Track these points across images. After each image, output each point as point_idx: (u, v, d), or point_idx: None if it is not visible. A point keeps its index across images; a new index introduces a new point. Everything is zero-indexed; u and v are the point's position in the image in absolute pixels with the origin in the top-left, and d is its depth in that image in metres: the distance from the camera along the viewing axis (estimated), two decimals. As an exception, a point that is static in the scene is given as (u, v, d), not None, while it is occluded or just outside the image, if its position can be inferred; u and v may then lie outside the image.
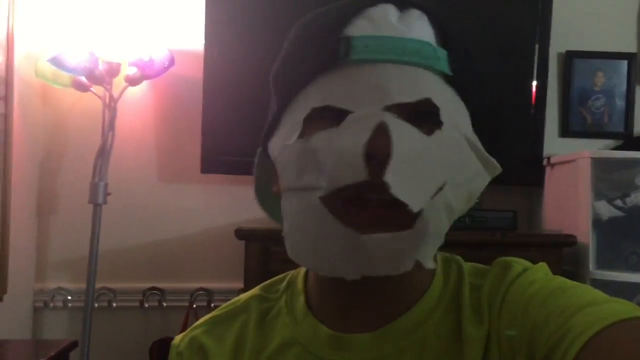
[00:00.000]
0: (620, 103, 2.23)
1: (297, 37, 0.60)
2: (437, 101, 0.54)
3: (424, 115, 0.54)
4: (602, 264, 1.85)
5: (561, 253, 1.84)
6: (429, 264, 0.54)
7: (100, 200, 1.84)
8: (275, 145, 0.59)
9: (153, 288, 2.02)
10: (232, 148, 1.94)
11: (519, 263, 0.59)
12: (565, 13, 2.16)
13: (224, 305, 0.68)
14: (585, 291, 0.52)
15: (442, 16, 0.59)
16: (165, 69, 1.88)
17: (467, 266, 0.63)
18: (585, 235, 1.85)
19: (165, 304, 2.02)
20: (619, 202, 1.88)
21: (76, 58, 1.77)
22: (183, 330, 1.93)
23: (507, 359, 0.53)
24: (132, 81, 1.87)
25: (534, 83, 2.11)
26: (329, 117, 0.54)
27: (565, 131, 2.23)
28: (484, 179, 0.59)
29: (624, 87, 2.23)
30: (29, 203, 1.97)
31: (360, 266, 0.53)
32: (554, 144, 2.17)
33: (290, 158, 0.56)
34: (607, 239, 1.86)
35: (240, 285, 1.75)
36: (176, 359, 0.66)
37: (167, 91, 2.06)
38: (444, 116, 0.54)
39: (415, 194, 0.51)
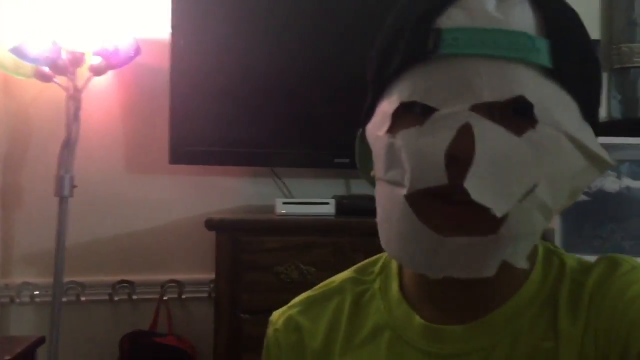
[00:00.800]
0: (584, 89, 2.28)
1: (393, 22, 0.57)
2: (531, 98, 0.51)
3: (517, 113, 0.51)
4: (567, 248, 1.88)
5: (528, 238, 1.87)
6: (521, 264, 0.53)
7: (66, 193, 1.81)
8: (370, 133, 0.59)
9: (122, 281, 2.00)
10: (200, 138, 1.92)
11: (627, 261, 0.57)
12: (531, 0, 2.18)
13: (319, 285, 0.69)
14: None
15: (548, 0, 0.55)
16: (131, 58, 1.85)
17: (571, 261, 0.61)
18: (552, 220, 1.89)
19: (135, 297, 2.00)
20: (583, 187, 1.92)
21: (38, 48, 1.73)
22: (154, 322, 1.93)
23: (602, 355, 0.52)
24: (97, 71, 1.83)
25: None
26: (417, 111, 0.53)
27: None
28: (591, 175, 0.57)
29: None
30: (-8, 197, 1.92)
31: (441, 267, 0.52)
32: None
33: (380, 150, 0.56)
34: (572, 223, 1.90)
35: (212, 276, 1.74)
36: (273, 335, 0.67)
37: (133, 81, 2.02)
38: (539, 114, 0.51)
39: (499, 198, 0.49)
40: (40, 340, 1.58)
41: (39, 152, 1.96)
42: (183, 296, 2.02)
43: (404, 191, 0.52)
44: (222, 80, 1.92)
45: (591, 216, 1.90)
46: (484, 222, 0.50)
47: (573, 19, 0.56)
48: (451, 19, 0.52)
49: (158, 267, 2.03)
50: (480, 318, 0.57)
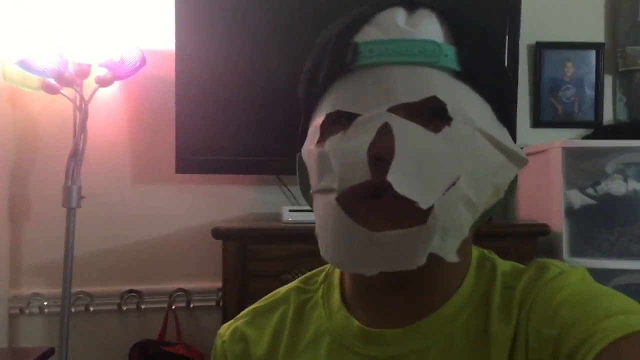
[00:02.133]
0: (589, 92, 2.27)
1: (315, 48, 0.62)
2: (443, 98, 0.55)
3: (432, 114, 0.55)
4: (575, 252, 1.88)
5: (535, 242, 1.86)
6: (451, 258, 0.55)
7: (73, 204, 1.82)
8: (304, 152, 0.63)
9: (131, 291, 2.01)
10: (206, 147, 1.93)
11: (556, 265, 0.60)
12: (534, 4, 2.19)
13: (265, 297, 0.72)
14: (619, 299, 0.53)
15: (452, 12, 0.59)
16: (137, 69, 1.86)
17: (504, 265, 0.63)
18: (558, 224, 1.88)
19: (143, 307, 2.00)
20: (590, 191, 1.91)
21: (45, 60, 1.74)
22: (162, 331, 1.94)
23: (534, 358, 0.54)
24: (103, 82, 1.85)
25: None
26: (342, 121, 0.57)
27: (537, 122, 2.26)
28: (510, 172, 0.59)
29: (593, 76, 2.27)
30: (1, 208, 1.94)
31: (376, 262, 0.54)
32: (526, 135, 2.20)
33: (312, 163, 0.60)
34: (579, 227, 1.90)
35: (219, 284, 1.74)
36: (220, 347, 0.70)
37: (139, 92, 2.04)
38: (452, 112, 0.55)
39: (423, 190, 0.52)
40: (50, 352, 1.58)
41: (46, 163, 1.97)
42: (191, 305, 2.02)
43: (334, 195, 0.56)
44: (227, 89, 1.93)
45: (598, 220, 1.89)
46: (411, 214, 0.53)
47: (478, 29, 0.60)
48: (366, 34, 0.57)
49: (166, 277, 2.04)
50: (416, 322, 0.60)
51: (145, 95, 2.04)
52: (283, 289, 0.71)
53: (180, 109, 1.91)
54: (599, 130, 2.22)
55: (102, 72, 1.84)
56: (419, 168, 0.53)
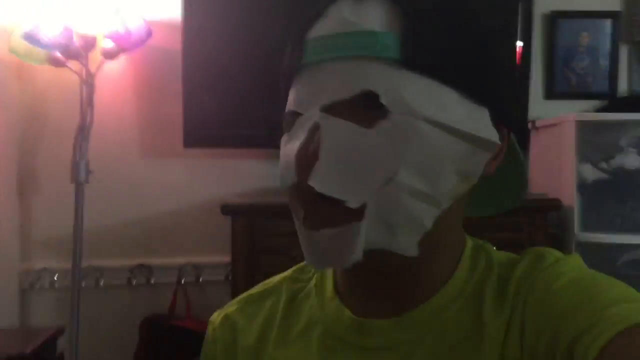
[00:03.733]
0: (604, 63, 2.22)
1: (280, 44, 0.63)
2: (379, 90, 0.53)
3: (368, 107, 0.53)
4: (587, 227, 1.86)
5: (547, 216, 1.84)
6: (411, 252, 0.54)
7: (82, 178, 1.81)
8: None
9: (140, 265, 2.01)
10: (214, 120, 1.91)
11: (551, 254, 0.59)
12: (549, -27, 2.13)
13: (258, 285, 0.72)
14: (620, 287, 0.52)
15: None
16: (143, 41, 1.83)
17: (499, 256, 0.62)
18: (570, 198, 1.86)
19: (153, 281, 2.01)
20: (603, 165, 1.88)
21: (50, 33, 1.72)
22: (172, 306, 1.94)
23: (529, 346, 0.53)
24: (109, 55, 1.82)
25: (518, 44, 2.09)
26: (293, 118, 0.57)
27: (550, 93, 2.22)
28: (477, 157, 0.57)
29: (608, 46, 2.22)
30: (9, 183, 1.93)
31: (317, 259, 0.56)
32: (538, 106, 2.16)
33: None
34: (591, 202, 1.87)
35: (228, 259, 1.74)
36: (211, 334, 0.70)
37: (145, 64, 2.01)
38: (389, 103, 0.53)
39: (352, 189, 0.53)
40: (60, 331, 1.59)
41: (54, 137, 1.96)
42: (200, 279, 2.03)
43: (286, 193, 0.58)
44: (235, 60, 1.91)
45: (611, 194, 1.87)
46: (345, 213, 0.53)
47: (432, 10, 0.56)
48: (316, 29, 0.57)
49: (175, 251, 2.04)
50: (406, 312, 0.59)
51: (152, 68, 2.01)
52: (276, 278, 0.71)
53: (187, 82, 1.89)
54: (613, 102, 2.18)
55: (108, 44, 1.81)
56: (346, 166, 0.53)
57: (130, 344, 1.91)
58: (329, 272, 0.67)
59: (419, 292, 0.60)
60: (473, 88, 0.56)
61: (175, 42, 1.92)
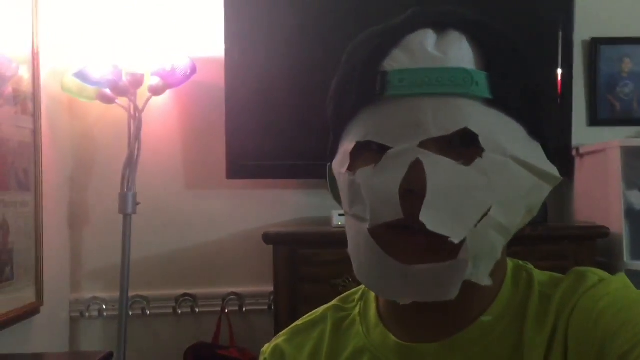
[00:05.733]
0: (648, 88, 2.18)
1: (344, 67, 0.62)
2: (475, 128, 0.54)
3: (464, 144, 0.55)
4: (636, 254, 1.81)
5: (594, 245, 1.80)
6: (485, 282, 0.55)
7: (129, 210, 1.87)
8: (335, 169, 0.64)
9: (185, 294, 2.04)
10: (256, 153, 1.95)
11: (595, 273, 0.59)
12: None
13: (304, 316, 0.74)
14: None
15: (483, 32, 0.58)
16: (188, 77, 1.90)
17: (541, 276, 0.63)
18: (618, 225, 1.82)
19: (197, 310, 2.04)
20: (651, 191, 1.83)
21: (100, 71, 1.80)
22: (216, 335, 1.96)
23: None
24: (156, 91, 1.89)
25: (559, 71, 2.08)
26: (373, 148, 0.57)
27: (594, 120, 2.19)
28: (543, 191, 0.59)
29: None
30: (61, 215, 2.01)
31: (409, 293, 0.56)
32: (582, 134, 2.13)
33: (343, 187, 0.61)
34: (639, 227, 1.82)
35: (271, 288, 1.76)
36: None
37: (190, 99, 2.07)
38: (484, 142, 0.54)
39: (455, 225, 0.53)
40: (109, 356, 1.62)
41: (103, 171, 2.04)
42: (244, 309, 2.04)
43: (367, 225, 0.56)
44: (275, 94, 1.95)
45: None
46: (443, 249, 0.53)
47: (511, 49, 0.59)
48: (395, 60, 0.56)
49: (219, 281, 2.07)
50: (452, 336, 0.60)
51: (196, 103, 2.08)
52: (321, 309, 0.73)
53: (230, 115, 1.94)
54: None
55: (155, 81, 1.88)
56: (451, 203, 0.53)
57: (175, 372, 1.94)
58: (372, 299, 0.68)
59: (465, 315, 0.60)
60: (536, 124, 0.59)
61: (219, 78, 1.97)
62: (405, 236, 0.55)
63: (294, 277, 1.64)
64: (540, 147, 0.60)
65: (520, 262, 0.65)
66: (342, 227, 1.76)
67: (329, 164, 0.67)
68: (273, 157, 1.95)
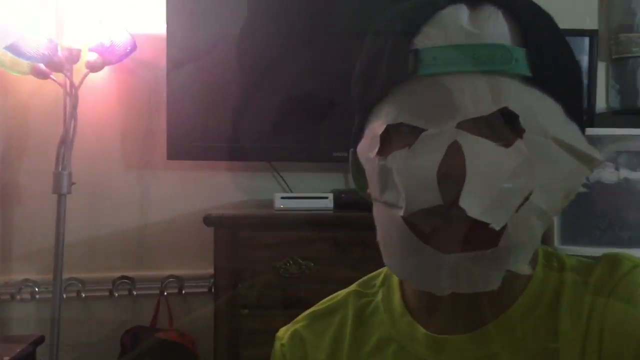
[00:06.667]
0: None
1: (372, 45, 0.58)
2: (515, 108, 0.51)
3: (503, 125, 0.52)
4: (566, 239, 1.89)
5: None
6: (524, 270, 0.53)
7: (64, 190, 1.81)
8: (361, 154, 0.59)
9: (122, 277, 2.00)
10: (198, 134, 1.91)
11: (629, 259, 0.57)
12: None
13: (323, 300, 0.70)
14: None
15: (519, 7, 0.55)
16: (127, 54, 1.84)
17: (571, 261, 0.61)
18: (550, 211, 1.89)
19: (135, 293, 2.00)
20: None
21: (34, 45, 1.72)
22: (154, 318, 1.93)
23: (610, 355, 0.52)
24: (93, 67, 1.82)
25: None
26: (405, 131, 0.54)
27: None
28: (582, 174, 0.56)
29: (585, 64, 2.26)
30: (-9, 194, 1.92)
31: (447, 284, 0.53)
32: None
33: (372, 172, 0.56)
34: (570, 215, 1.90)
35: (211, 271, 1.74)
36: (279, 350, 0.69)
37: (130, 77, 2.02)
38: (525, 123, 0.51)
39: (496, 211, 0.50)
40: (40, 340, 1.58)
41: (36, 149, 1.96)
42: (183, 291, 2.02)
43: (400, 212, 0.52)
44: (219, 74, 1.92)
45: (589, 208, 1.90)
46: (483, 236, 0.50)
47: (547, 24, 0.56)
48: (428, 37, 0.53)
49: (158, 263, 2.03)
50: (483, 326, 0.58)
51: (136, 81, 2.02)
52: (341, 293, 0.70)
53: (171, 95, 1.90)
54: (592, 118, 2.22)
55: (92, 56, 1.82)
56: (491, 187, 0.50)
57: (112, 355, 1.90)
58: (395, 286, 0.65)
59: (497, 306, 0.58)
60: (574, 104, 0.56)
61: (160, 55, 1.92)
62: (441, 224, 0.51)
63: (234, 260, 1.63)
64: (577, 128, 0.57)
65: (549, 249, 0.63)
66: (284, 209, 1.77)
67: (352, 149, 0.62)
68: (216, 138, 1.92)
